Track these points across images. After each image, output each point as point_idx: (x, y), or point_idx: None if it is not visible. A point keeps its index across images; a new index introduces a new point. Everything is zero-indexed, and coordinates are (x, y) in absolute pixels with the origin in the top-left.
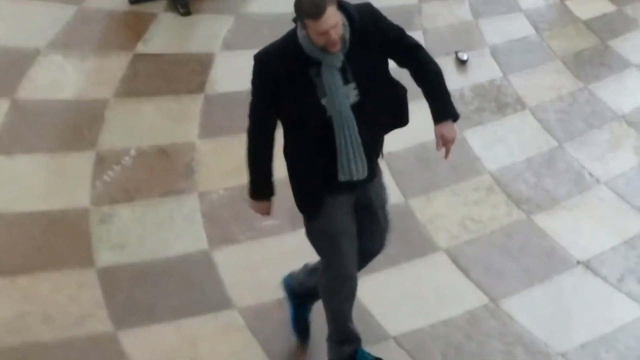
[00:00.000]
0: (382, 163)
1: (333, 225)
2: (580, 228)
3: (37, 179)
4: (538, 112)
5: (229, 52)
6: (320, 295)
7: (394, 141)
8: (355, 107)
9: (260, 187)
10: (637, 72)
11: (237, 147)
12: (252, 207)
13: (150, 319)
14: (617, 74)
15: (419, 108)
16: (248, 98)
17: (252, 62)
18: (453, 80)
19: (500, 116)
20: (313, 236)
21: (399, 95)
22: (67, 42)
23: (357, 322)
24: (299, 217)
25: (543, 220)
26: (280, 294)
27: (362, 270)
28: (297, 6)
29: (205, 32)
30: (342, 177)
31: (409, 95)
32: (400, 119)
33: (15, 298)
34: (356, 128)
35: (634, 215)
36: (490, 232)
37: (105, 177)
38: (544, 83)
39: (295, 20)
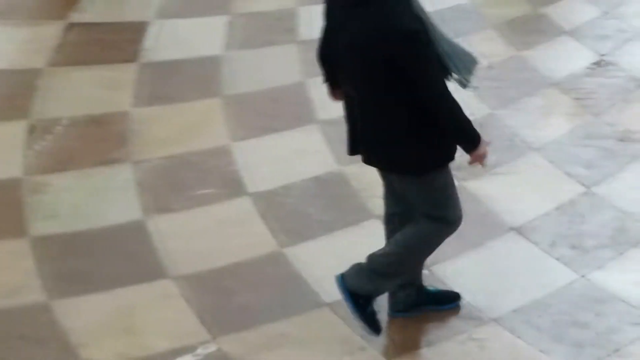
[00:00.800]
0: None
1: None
2: (513, 194)
3: None
4: None
5: (164, 21)
6: (422, 243)
7: (330, 109)
8: None
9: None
10: (570, 39)
11: (171, 115)
12: (485, 149)
13: (84, 289)
14: (549, 41)
15: None
16: (184, 66)
17: (189, 32)
18: None
19: None
20: (444, 186)
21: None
22: (8, 14)
23: (292, 290)
24: (234, 186)
25: (476, 187)
26: (218, 264)
27: (298, 238)
28: None
29: (139, 1)
30: None
31: None
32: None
33: None
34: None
35: (566, 181)
36: None
37: (37, 147)
38: (477, 50)
39: None
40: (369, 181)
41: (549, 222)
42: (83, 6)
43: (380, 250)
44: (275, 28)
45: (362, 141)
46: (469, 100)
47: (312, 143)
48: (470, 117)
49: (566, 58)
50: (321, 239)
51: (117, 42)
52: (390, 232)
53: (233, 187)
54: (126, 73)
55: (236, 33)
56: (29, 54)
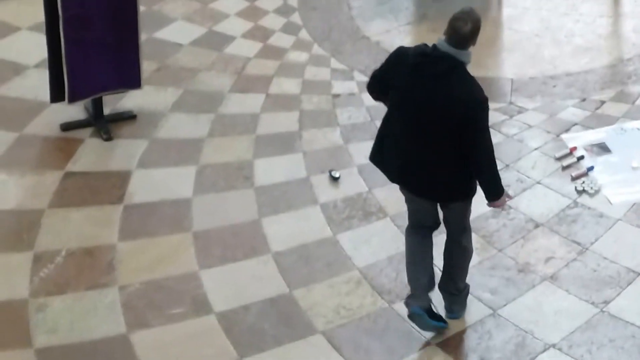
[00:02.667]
0: (270, 259)
1: None
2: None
3: None
4: (397, 219)
5: (144, 170)
6: (468, 257)
7: (281, 243)
8: None
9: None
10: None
11: (150, 247)
12: (504, 201)
13: None
14: None
15: (301, 214)
16: (160, 207)
17: (165, 179)
18: (327, 194)
19: (366, 222)
20: (469, 210)
21: (450, 171)
22: (9, 162)
23: None
24: (201, 306)
25: (402, 308)
26: None
27: (251, 349)
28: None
29: (124, 153)
30: None
31: None
32: (445, 192)
33: None
34: None
35: (476, 304)
36: (359, 317)
37: (41, 274)
38: (401, 195)
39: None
40: (314, 302)
41: (463, 338)
42: (77, 157)
43: (449, 278)
44: (235, 176)
45: (412, 174)
46: (396, 235)
47: (266, 270)
48: (397, 250)
49: (475, 203)
50: (274, 351)
51: (105, 187)
52: (422, 237)
53: (201, 306)
54: (113, 213)
55: (203, 179)
56: (33, 197)
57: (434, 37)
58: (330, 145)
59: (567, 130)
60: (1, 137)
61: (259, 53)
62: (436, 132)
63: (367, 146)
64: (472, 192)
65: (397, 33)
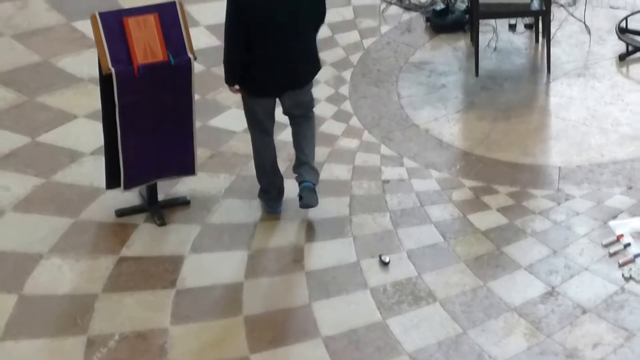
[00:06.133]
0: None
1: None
2: None
3: None
4: (446, 304)
5: (197, 254)
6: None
7: (331, 327)
8: None
9: None
10: (525, 273)
11: (201, 331)
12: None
13: None
14: (509, 274)
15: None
16: (212, 291)
17: (216, 263)
18: (377, 279)
19: (416, 307)
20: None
21: None
22: (65, 247)
23: None
24: None
25: None
26: None
27: None
28: None
29: (177, 238)
30: None
31: None
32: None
33: None
34: None
35: None
36: None
37: (95, 358)
38: (451, 281)
39: None
40: None
41: None
42: (131, 242)
43: (310, 152)
44: (286, 260)
45: (295, 70)
46: (445, 321)
47: (317, 354)
48: (446, 335)
49: (523, 288)
50: None
51: (158, 272)
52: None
53: None
54: (165, 297)
55: (255, 264)
56: (87, 282)
57: (483, 124)
58: (380, 230)
59: (614, 218)
60: (57, 223)
61: None
62: (304, 16)
63: (417, 231)
64: None
65: (445, 121)
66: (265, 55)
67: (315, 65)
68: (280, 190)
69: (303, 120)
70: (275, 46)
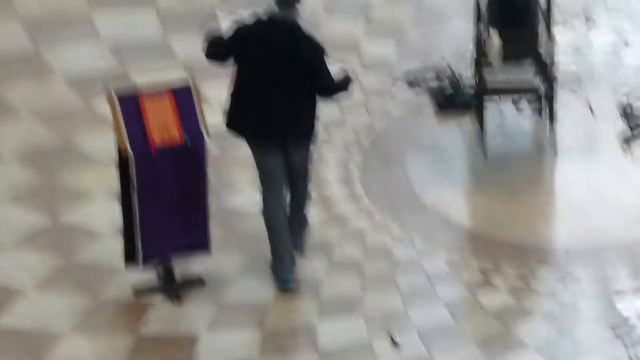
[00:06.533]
0: None
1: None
2: None
3: None
4: None
5: (213, 334)
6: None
7: None
8: None
9: None
10: (534, 354)
11: None
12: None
13: None
14: (518, 355)
15: None
16: None
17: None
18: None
19: None
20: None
21: None
22: (83, 327)
23: None
24: None
25: None
26: None
27: None
28: None
29: (193, 318)
30: None
31: None
32: None
33: None
34: None
35: None
36: None
37: None
38: None
39: None
40: None
41: None
42: (149, 322)
43: (302, 212)
44: (300, 340)
45: (280, 119)
46: None
47: None
48: None
49: None
50: None
51: (175, 351)
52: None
53: None
54: None
55: (269, 344)
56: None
57: (491, 204)
58: (391, 310)
59: (620, 299)
60: (76, 303)
61: (324, 221)
62: (293, 74)
63: (428, 311)
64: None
65: (454, 201)
66: (244, 93)
67: (301, 127)
68: (292, 257)
69: (294, 190)
70: (254, 88)
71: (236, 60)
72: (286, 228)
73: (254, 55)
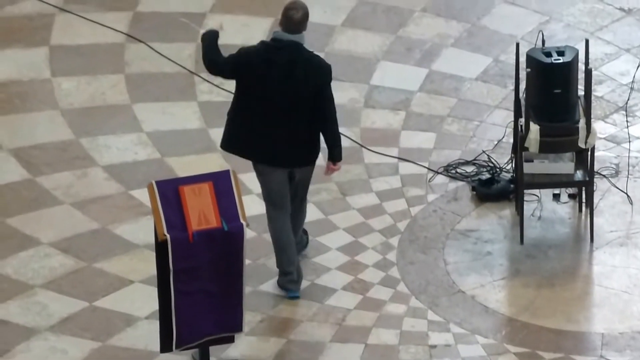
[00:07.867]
0: None
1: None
2: None
3: None
4: None
5: None
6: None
7: None
8: None
9: None
10: None
11: None
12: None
13: None
14: None
15: None
16: None
17: None
18: None
19: None
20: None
21: None
22: None
23: None
24: None
25: None
26: None
27: None
28: None
29: None
30: None
31: None
32: None
33: None
34: None
35: None
36: None
37: None
38: None
39: None
40: None
41: None
42: None
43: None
44: None
45: (279, 144)
46: None
47: None
48: None
49: None
50: None
51: None
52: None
53: None
54: None
55: None
56: None
57: (528, 291)
58: None
59: None
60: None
61: (359, 305)
62: (298, 100)
63: None
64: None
65: (491, 287)
66: (247, 118)
67: (305, 157)
68: (299, 272)
69: (294, 208)
70: (258, 114)
71: (239, 83)
72: (293, 244)
73: (258, 81)
